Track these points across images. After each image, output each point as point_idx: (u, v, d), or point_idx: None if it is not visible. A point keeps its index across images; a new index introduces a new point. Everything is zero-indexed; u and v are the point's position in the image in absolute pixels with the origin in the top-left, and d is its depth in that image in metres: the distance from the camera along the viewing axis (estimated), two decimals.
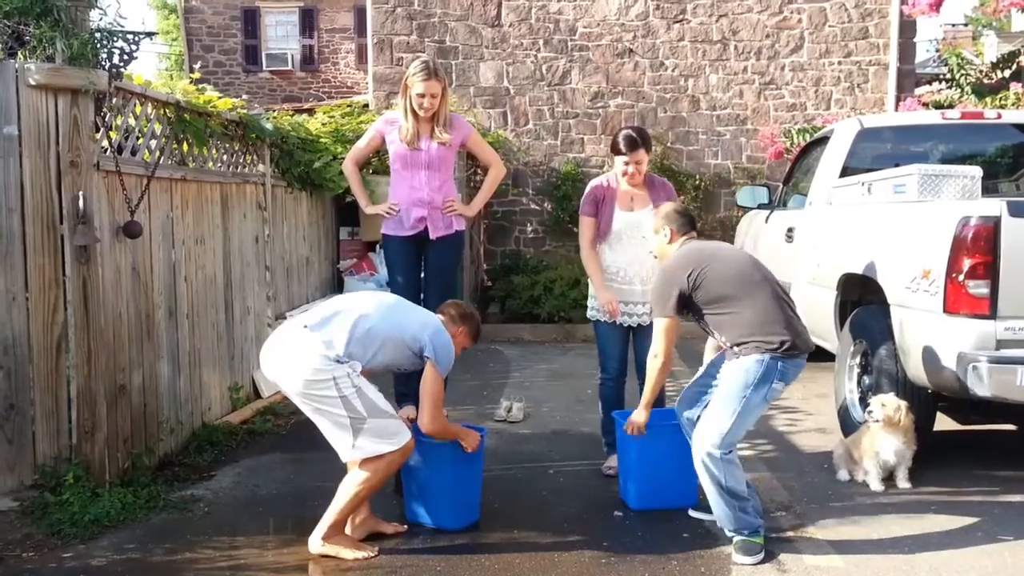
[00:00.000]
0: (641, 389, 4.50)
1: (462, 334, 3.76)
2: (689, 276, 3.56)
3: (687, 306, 3.62)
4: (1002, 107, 8.17)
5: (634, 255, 4.38)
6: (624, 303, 4.41)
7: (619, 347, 4.52)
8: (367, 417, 3.35)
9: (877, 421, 4.10)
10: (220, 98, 5.24)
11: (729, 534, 3.50)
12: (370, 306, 3.52)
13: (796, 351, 3.49)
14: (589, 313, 4.59)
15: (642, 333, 4.39)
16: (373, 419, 3.36)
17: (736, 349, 3.52)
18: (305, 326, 3.42)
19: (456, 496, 3.77)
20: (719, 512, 3.51)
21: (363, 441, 3.36)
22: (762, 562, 3.38)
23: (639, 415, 3.91)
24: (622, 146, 4.37)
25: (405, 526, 3.75)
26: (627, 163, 4.36)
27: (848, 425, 4.77)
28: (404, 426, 3.49)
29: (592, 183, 4.58)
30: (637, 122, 10.29)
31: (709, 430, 3.48)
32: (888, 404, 4.11)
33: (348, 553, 3.45)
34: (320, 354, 3.33)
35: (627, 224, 4.39)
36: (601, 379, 4.60)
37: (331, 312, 3.49)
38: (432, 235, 4.36)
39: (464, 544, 3.58)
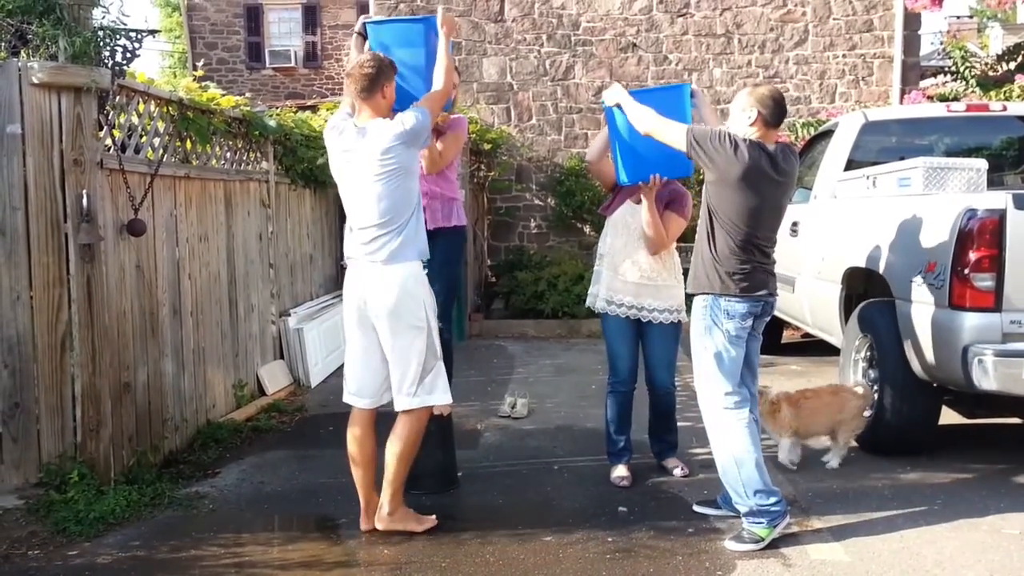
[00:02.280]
0: (648, 395, 4.46)
1: (389, 88, 3.51)
2: (737, 153, 3.39)
3: (702, 157, 3.45)
4: (1007, 99, 8.15)
5: (627, 241, 4.20)
6: (628, 295, 4.18)
7: (628, 344, 4.23)
8: (439, 358, 3.50)
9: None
10: (223, 95, 5.23)
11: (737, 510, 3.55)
12: (366, 206, 3.46)
13: (738, 293, 3.51)
14: (589, 302, 4.32)
15: (653, 332, 4.20)
16: (440, 362, 3.52)
17: (693, 271, 3.62)
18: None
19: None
20: (730, 488, 3.56)
21: (423, 390, 3.47)
22: (764, 555, 3.38)
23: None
24: None
25: (433, 516, 3.69)
26: None
27: None
28: None
29: None
30: None
31: (704, 394, 3.59)
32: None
33: (415, 526, 3.58)
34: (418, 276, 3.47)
35: (630, 212, 4.19)
36: (610, 383, 4.32)
37: (373, 237, 3.45)
38: (430, 224, 4.28)
39: (468, 539, 3.58)
